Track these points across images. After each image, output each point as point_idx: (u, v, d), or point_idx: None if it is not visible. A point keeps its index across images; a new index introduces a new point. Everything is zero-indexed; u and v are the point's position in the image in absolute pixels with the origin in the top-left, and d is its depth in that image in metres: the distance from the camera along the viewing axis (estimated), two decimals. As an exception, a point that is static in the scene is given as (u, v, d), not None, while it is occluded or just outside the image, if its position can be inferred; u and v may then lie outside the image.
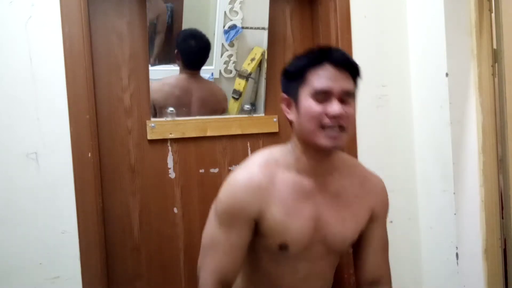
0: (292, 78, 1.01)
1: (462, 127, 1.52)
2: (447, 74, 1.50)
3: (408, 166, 1.70)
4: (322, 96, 0.95)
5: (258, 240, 1.03)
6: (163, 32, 1.54)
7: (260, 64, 1.64)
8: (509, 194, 1.45)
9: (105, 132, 1.49)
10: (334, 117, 0.94)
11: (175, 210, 1.57)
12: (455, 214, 1.52)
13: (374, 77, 1.66)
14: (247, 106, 1.66)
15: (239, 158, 1.62)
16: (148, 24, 1.51)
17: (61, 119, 1.33)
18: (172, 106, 1.55)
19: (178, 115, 1.57)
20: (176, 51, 1.56)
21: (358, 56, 1.63)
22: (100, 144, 1.46)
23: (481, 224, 1.51)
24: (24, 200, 1.30)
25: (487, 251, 1.51)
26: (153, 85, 1.53)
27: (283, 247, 1.00)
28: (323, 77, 0.96)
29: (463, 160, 1.51)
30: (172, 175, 1.57)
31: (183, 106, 1.58)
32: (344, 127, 0.96)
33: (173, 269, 1.57)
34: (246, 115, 1.65)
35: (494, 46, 1.49)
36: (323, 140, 0.95)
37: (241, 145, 1.65)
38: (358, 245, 1.12)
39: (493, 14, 1.48)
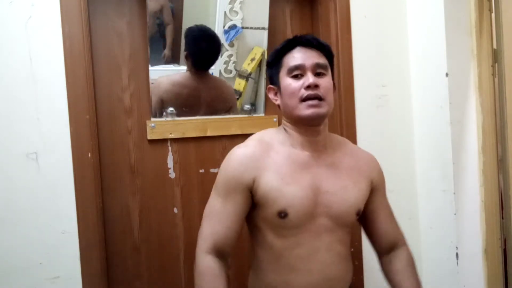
0: (272, 66, 1.13)
1: (462, 127, 1.52)
2: (447, 74, 1.50)
3: (408, 166, 1.70)
4: (297, 72, 1.06)
5: (259, 213, 1.07)
6: (171, 23, 1.53)
7: (260, 64, 1.64)
8: (509, 194, 1.45)
9: (105, 132, 1.49)
10: (310, 87, 1.03)
11: (175, 210, 1.58)
12: (455, 214, 1.52)
13: (374, 77, 1.66)
14: (247, 106, 1.66)
15: (239, 158, 1.62)
16: (149, 20, 1.49)
17: (61, 119, 1.33)
18: (182, 106, 1.56)
19: (186, 114, 1.56)
20: (185, 52, 1.55)
21: (358, 56, 1.63)
22: (100, 144, 1.46)
23: (481, 224, 1.51)
24: (24, 200, 1.30)
25: (487, 251, 1.51)
26: (161, 84, 1.52)
27: (282, 214, 1.03)
28: (296, 56, 1.07)
29: (463, 160, 1.51)
30: (172, 175, 1.57)
31: (193, 105, 1.58)
32: (322, 96, 1.04)
33: (173, 269, 1.57)
34: (246, 115, 1.65)
35: (494, 46, 1.49)
36: (304, 110, 1.04)
37: (241, 145, 1.65)
38: (367, 218, 1.19)
39: (493, 14, 1.48)
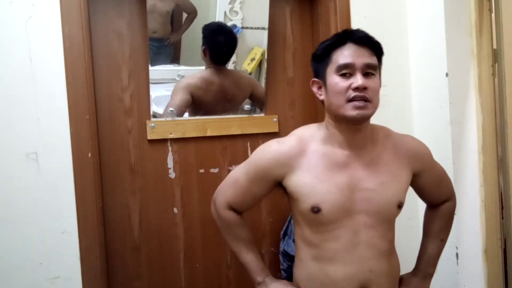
0: (320, 60, 1.09)
1: (462, 127, 1.52)
2: (447, 74, 1.50)
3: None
4: (346, 71, 1.03)
5: (296, 207, 1.10)
6: (194, 13, 1.55)
7: (260, 64, 1.64)
8: (509, 194, 1.45)
9: (105, 132, 1.49)
10: (358, 89, 1.01)
11: (175, 210, 1.57)
12: (455, 214, 1.51)
13: (374, 77, 1.66)
14: (247, 106, 1.66)
15: (239, 158, 1.62)
16: (172, 9, 1.53)
17: (61, 119, 1.33)
18: (210, 102, 1.60)
19: (212, 110, 1.61)
20: (203, 47, 1.57)
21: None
22: (100, 144, 1.46)
23: (481, 224, 1.51)
24: (24, 200, 1.30)
25: (487, 251, 1.50)
26: (191, 82, 1.56)
27: (315, 209, 1.05)
28: (346, 54, 1.04)
29: (463, 160, 1.51)
30: (172, 175, 1.57)
31: (219, 100, 1.61)
32: (368, 98, 1.02)
33: (173, 269, 1.57)
34: (246, 115, 1.65)
35: (494, 46, 1.49)
36: (350, 111, 1.02)
37: (241, 145, 1.65)
38: (418, 192, 1.24)
39: (493, 14, 1.48)
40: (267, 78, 1.65)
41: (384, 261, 1.11)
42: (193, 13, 1.55)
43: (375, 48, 1.07)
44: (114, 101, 1.51)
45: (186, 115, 1.59)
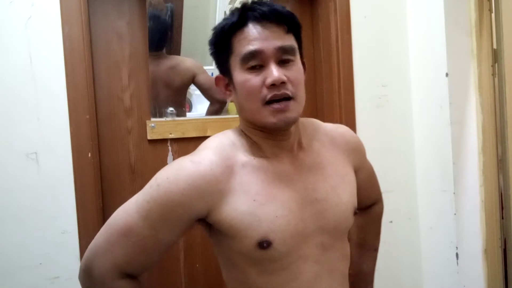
0: (219, 50, 0.83)
1: (462, 127, 1.52)
2: (447, 74, 1.50)
3: (408, 166, 1.70)
4: (255, 62, 0.78)
5: (232, 247, 0.79)
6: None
7: (260, 64, 1.64)
8: (509, 194, 1.45)
9: (105, 132, 1.49)
10: (274, 85, 0.76)
11: (175, 210, 1.57)
12: (455, 214, 1.52)
13: (374, 77, 1.66)
14: (247, 106, 1.65)
15: (239, 158, 1.62)
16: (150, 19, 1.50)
17: (61, 119, 1.33)
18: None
19: (156, 102, 1.54)
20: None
21: (358, 56, 1.63)
22: (100, 144, 1.46)
23: (481, 224, 1.51)
24: (24, 200, 1.30)
25: (487, 251, 1.50)
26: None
27: (264, 244, 0.76)
28: (249, 39, 0.77)
29: (463, 160, 1.51)
30: (172, 175, 1.57)
31: (157, 89, 1.54)
32: (290, 95, 0.78)
33: (173, 269, 1.57)
34: (246, 115, 1.65)
35: (494, 46, 1.49)
36: (269, 118, 0.78)
37: (241, 145, 1.65)
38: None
39: (493, 14, 1.48)
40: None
41: (346, 287, 0.89)
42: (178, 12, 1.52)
43: (288, 23, 0.81)
44: (114, 101, 1.51)
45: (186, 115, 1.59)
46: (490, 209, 1.50)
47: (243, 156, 0.81)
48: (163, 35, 1.55)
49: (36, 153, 1.31)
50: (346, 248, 0.90)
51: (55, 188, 1.33)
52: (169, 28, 1.55)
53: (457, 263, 1.53)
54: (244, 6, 0.80)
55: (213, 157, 0.78)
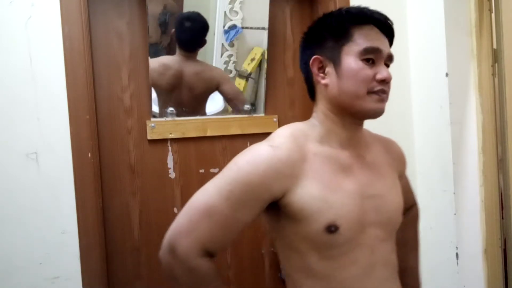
0: (333, 34, 0.89)
1: (462, 127, 1.52)
2: (447, 74, 1.50)
3: (408, 166, 1.69)
4: (371, 56, 0.87)
5: (298, 231, 0.85)
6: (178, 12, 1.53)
7: (260, 64, 1.64)
8: (509, 194, 1.45)
9: (105, 132, 1.49)
10: (384, 81, 0.87)
11: (175, 210, 1.57)
12: (455, 214, 1.52)
13: (374, 77, 1.66)
14: (247, 106, 1.66)
15: (239, 158, 1.62)
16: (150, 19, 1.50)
17: (61, 119, 1.33)
18: (165, 87, 1.54)
19: (167, 95, 1.55)
20: (172, 31, 1.54)
21: (358, 56, 1.63)
22: (100, 144, 1.46)
23: (481, 224, 1.51)
24: (24, 200, 1.30)
25: (487, 251, 1.51)
26: (151, 64, 1.52)
27: (332, 229, 0.82)
28: (372, 37, 0.88)
29: (463, 160, 1.51)
30: (172, 175, 1.57)
31: (174, 86, 1.56)
32: (387, 94, 0.90)
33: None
34: (246, 115, 1.65)
35: (494, 46, 1.49)
36: (371, 104, 0.87)
37: (241, 145, 1.65)
38: None
39: (493, 14, 1.48)
40: (267, 78, 1.65)
41: (398, 282, 0.95)
42: (177, 13, 1.53)
43: (392, 38, 0.96)
44: (114, 101, 1.51)
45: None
46: (490, 209, 1.50)
47: (314, 146, 0.88)
48: (196, 37, 1.57)
49: (36, 153, 1.31)
50: (394, 244, 0.96)
51: (55, 188, 1.33)
52: (204, 32, 1.57)
53: (457, 263, 1.53)
54: (362, 8, 0.91)
55: (289, 144, 0.86)
